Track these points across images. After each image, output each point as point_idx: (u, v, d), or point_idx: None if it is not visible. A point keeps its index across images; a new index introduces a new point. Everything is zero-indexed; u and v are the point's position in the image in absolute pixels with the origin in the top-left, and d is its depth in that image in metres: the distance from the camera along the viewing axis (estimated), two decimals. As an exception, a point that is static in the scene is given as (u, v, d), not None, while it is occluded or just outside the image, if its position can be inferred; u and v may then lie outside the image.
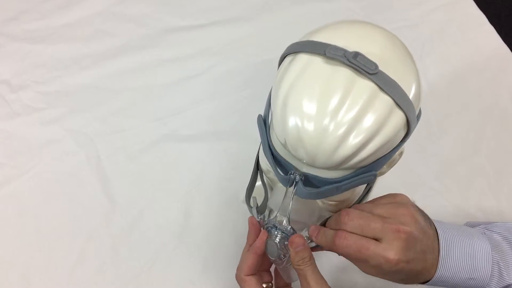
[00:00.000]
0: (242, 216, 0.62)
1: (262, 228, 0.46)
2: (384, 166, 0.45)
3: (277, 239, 0.44)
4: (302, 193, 0.41)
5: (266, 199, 0.51)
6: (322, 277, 0.42)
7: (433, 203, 0.64)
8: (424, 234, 0.41)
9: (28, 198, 0.64)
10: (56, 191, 0.65)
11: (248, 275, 0.45)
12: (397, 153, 0.44)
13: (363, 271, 0.42)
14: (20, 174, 0.66)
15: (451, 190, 0.65)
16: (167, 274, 0.58)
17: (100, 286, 0.58)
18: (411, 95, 0.38)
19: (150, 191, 0.65)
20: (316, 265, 0.42)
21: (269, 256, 0.45)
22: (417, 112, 0.41)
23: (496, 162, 0.68)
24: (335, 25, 0.42)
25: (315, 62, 0.38)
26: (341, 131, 0.35)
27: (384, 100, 0.36)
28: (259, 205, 0.49)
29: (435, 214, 0.63)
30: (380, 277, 0.42)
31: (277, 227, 0.45)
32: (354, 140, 0.36)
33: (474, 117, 0.72)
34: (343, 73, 0.36)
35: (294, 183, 0.41)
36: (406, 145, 0.71)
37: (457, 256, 0.42)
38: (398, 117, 0.37)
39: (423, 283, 0.43)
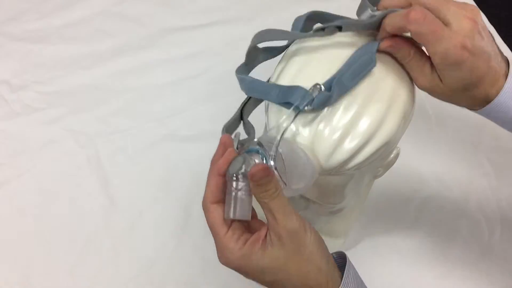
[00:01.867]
0: (242, 216, 0.63)
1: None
2: (380, 169, 0.45)
3: (254, 159, 0.37)
4: None
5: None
6: (292, 210, 0.36)
7: (433, 203, 0.64)
8: (489, 37, 0.38)
9: (28, 198, 0.64)
10: (56, 191, 0.65)
11: (213, 203, 0.38)
12: (392, 155, 0.43)
13: (419, 80, 0.40)
14: (20, 174, 0.66)
15: (451, 190, 0.65)
16: (167, 274, 0.58)
17: (100, 286, 0.58)
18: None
19: (150, 191, 0.65)
20: (283, 196, 0.36)
21: (228, 172, 0.38)
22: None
23: (496, 162, 0.68)
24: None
25: (310, 68, 0.38)
26: (336, 135, 0.35)
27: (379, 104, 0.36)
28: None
29: (435, 214, 0.63)
30: (435, 84, 0.39)
31: (261, 145, 0.38)
32: (349, 145, 0.36)
33: (474, 117, 0.72)
34: None
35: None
36: (406, 145, 0.70)
37: None
38: (394, 120, 0.37)
39: (483, 105, 0.41)
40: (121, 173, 0.66)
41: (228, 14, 0.85)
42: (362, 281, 0.39)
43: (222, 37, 0.82)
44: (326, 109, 0.36)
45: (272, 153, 0.37)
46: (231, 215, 0.37)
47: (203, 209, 0.39)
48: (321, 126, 0.36)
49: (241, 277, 0.58)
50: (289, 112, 0.38)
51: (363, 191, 0.56)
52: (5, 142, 0.69)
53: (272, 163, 0.37)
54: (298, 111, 0.38)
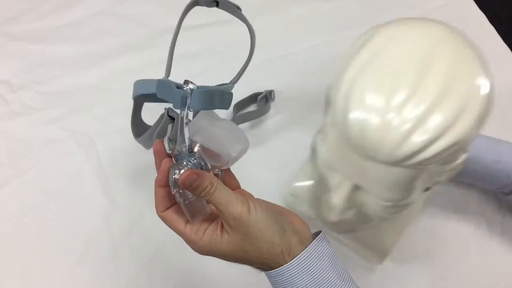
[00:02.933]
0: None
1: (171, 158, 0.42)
2: (445, 173, 0.44)
3: (179, 171, 0.39)
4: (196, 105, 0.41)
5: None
6: (232, 197, 0.39)
7: (433, 203, 0.64)
8: None
9: (28, 198, 0.64)
10: (56, 191, 0.65)
11: (163, 212, 0.42)
12: (460, 160, 0.42)
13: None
14: (20, 174, 0.66)
15: (451, 190, 0.65)
16: (167, 274, 0.58)
17: (100, 286, 0.58)
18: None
19: (150, 191, 0.64)
20: (222, 185, 0.39)
21: (170, 185, 0.40)
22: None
23: (496, 162, 0.68)
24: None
25: (387, 52, 0.38)
26: (406, 127, 0.35)
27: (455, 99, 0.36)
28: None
29: (435, 214, 0.63)
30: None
31: (180, 154, 0.41)
32: (419, 138, 0.35)
33: (474, 117, 0.72)
34: (413, 68, 0.36)
35: (187, 100, 0.41)
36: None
37: None
38: (469, 119, 0.37)
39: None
40: (121, 173, 0.66)
41: (228, 14, 0.85)
42: (333, 257, 0.40)
43: (222, 37, 0.82)
44: (397, 98, 0.35)
45: (189, 158, 0.40)
46: (192, 221, 0.41)
47: (160, 218, 0.42)
48: (391, 115, 0.35)
49: (240, 277, 0.59)
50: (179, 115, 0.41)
51: (421, 198, 0.55)
52: (5, 142, 0.69)
53: (194, 161, 0.40)
54: (185, 115, 0.41)
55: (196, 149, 0.41)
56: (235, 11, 0.53)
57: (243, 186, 0.46)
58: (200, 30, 0.83)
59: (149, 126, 0.58)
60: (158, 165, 0.42)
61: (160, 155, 0.42)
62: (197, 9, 0.86)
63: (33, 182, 0.65)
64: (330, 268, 0.39)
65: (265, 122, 0.72)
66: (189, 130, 0.40)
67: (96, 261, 0.59)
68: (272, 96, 0.72)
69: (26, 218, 0.62)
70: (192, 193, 0.39)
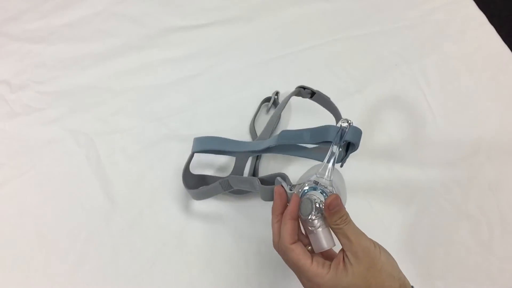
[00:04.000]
0: (243, 216, 0.63)
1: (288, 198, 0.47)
2: None
3: (315, 197, 0.44)
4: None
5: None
6: (361, 231, 0.43)
7: (433, 203, 0.64)
8: None
9: (28, 198, 0.64)
10: (56, 191, 0.65)
11: (292, 243, 0.44)
12: None
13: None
14: (20, 174, 0.66)
15: (451, 191, 0.65)
16: (167, 274, 0.58)
17: (100, 286, 0.58)
18: None
19: (150, 191, 0.65)
20: (353, 221, 0.43)
21: (301, 215, 0.45)
22: None
23: (496, 162, 0.68)
24: None
25: None
26: None
27: None
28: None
29: (435, 214, 0.63)
30: None
31: (317, 183, 0.46)
32: None
33: (473, 116, 0.72)
34: None
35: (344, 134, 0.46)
36: (406, 145, 0.71)
37: None
38: None
39: None
40: (121, 173, 0.66)
41: (228, 14, 0.85)
42: None
43: (222, 37, 0.82)
44: None
45: (328, 186, 0.46)
46: (320, 249, 0.44)
47: (283, 250, 0.45)
48: None
49: (240, 277, 0.59)
50: (331, 148, 0.46)
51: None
52: (5, 142, 0.69)
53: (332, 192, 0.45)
54: (339, 146, 0.46)
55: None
56: (328, 102, 0.60)
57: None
58: (200, 30, 0.83)
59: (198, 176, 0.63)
60: (278, 205, 0.47)
61: (282, 196, 0.47)
62: (197, 9, 0.86)
63: (33, 182, 0.65)
64: None
65: (266, 122, 0.72)
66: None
67: (96, 261, 0.59)
68: (277, 97, 0.72)
69: (25, 218, 0.62)
70: (331, 218, 0.43)
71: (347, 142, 0.48)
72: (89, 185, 0.65)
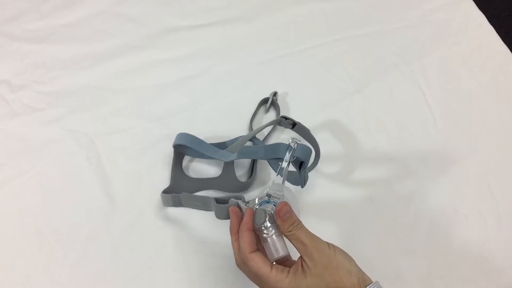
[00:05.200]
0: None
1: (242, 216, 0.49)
2: None
3: (268, 208, 0.47)
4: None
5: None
6: (314, 235, 0.45)
7: (432, 203, 0.64)
8: None
9: (28, 198, 0.64)
10: (56, 191, 0.65)
11: (252, 252, 0.45)
12: None
13: None
14: (20, 174, 0.66)
15: (451, 191, 0.65)
16: (167, 274, 0.58)
17: (100, 286, 0.58)
18: None
19: (150, 191, 0.65)
20: (305, 226, 0.45)
21: (255, 225, 0.47)
22: None
23: (496, 162, 0.68)
24: None
25: None
26: None
27: None
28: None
29: (434, 214, 0.63)
30: None
31: (270, 196, 0.49)
32: None
33: (473, 117, 0.72)
34: None
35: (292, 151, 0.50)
36: (406, 145, 0.71)
37: None
38: None
39: None
40: (121, 173, 0.66)
41: (228, 14, 0.85)
42: None
43: (222, 37, 0.82)
44: None
45: (280, 198, 0.48)
46: (275, 256, 0.46)
47: (244, 261, 0.46)
48: None
49: (240, 277, 0.59)
50: (281, 164, 0.50)
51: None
52: (5, 142, 0.69)
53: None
54: (288, 161, 0.50)
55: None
56: (308, 134, 0.63)
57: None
58: (200, 30, 0.83)
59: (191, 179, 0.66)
60: (235, 222, 0.49)
61: (238, 214, 0.50)
62: (196, 9, 0.86)
63: (33, 182, 0.65)
64: None
65: (264, 122, 0.72)
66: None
67: (96, 261, 0.59)
68: (276, 98, 0.72)
69: (26, 218, 0.62)
70: (283, 225, 0.45)
71: (297, 158, 0.52)
72: (89, 185, 0.65)
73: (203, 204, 0.61)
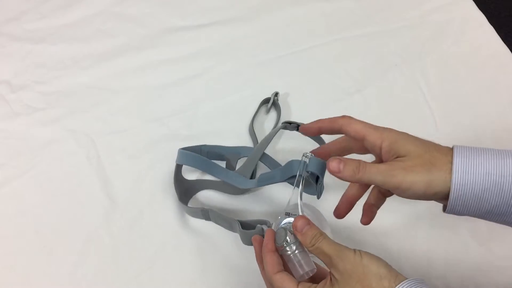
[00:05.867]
0: (243, 215, 0.62)
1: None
2: None
3: (288, 225, 0.45)
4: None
5: None
6: (340, 245, 0.42)
7: (432, 203, 0.64)
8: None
9: (28, 198, 0.64)
10: (56, 191, 0.65)
11: (276, 273, 0.43)
12: None
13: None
14: (20, 174, 0.66)
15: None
16: (167, 274, 0.58)
17: (100, 286, 0.58)
18: None
19: (150, 191, 0.65)
20: (328, 237, 0.42)
21: (277, 245, 0.45)
22: None
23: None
24: None
25: None
26: None
27: None
28: None
29: (434, 214, 0.63)
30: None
31: (289, 214, 0.47)
32: None
33: (473, 116, 0.72)
34: None
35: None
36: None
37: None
38: None
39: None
40: (121, 173, 0.66)
41: (228, 14, 0.85)
42: None
43: (222, 37, 0.82)
44: None
45: (299, 211, 0.46)
46: (300, 272, 0.43)
47: (269, 283, 0.44)
48: None
49: (241, 278, 0.59)
50: (296, 182, 0.48)
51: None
52: (5, 142, 0.69)
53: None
54: (302, 177, 0.47)
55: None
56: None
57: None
58: (200, 30, 0.83)
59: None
60: (258, 250, 0.46)
61: (259, 242, 0.47)
62: (196, 9, 0.86)
63: (33, 182, 0.65)
64: None
65: (265, 122, 0.72)
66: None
67: (96, 261, 0.59)
68: (277, 98, 0.72)
69: (26, 218, 0.62)
70: (304, 239, 0.42)
71: (313, 173, 0.49)
72: (89, 185, 0.65)
73: (229, 226, 0.59)
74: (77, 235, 0.61)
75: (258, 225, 0.54)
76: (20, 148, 0.68)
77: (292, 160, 0.50)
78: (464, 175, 0.40)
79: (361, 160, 0.43)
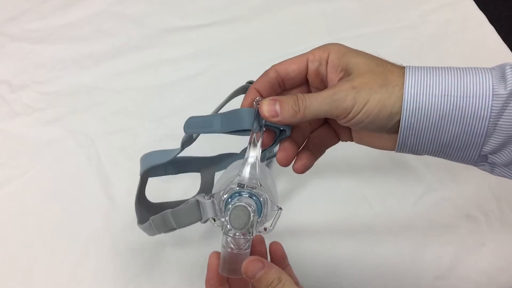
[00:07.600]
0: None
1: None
2: None
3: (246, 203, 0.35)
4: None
5: None
6: None
7: (432, 203, 0.64)
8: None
9: (28, 198, 0.64)
10: (56, 191, 0.65)
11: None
12: None
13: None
14: (20, 174, 0.66)
15: (451, 190, 0.65)
16: (167, 274, 0.58)
17: (100, 286, 0.58)
18: None
19: (150, 191, 0.65)
20: (290, 281, 0.33)
21: (233, 227, 0.36)
22: None
23: (496, 162, 0.68)
24: None
25: None
26: None
27: None
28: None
29: (434, 214, 0.63)
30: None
31: (243, 186, 0.36)
32: None
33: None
34: None
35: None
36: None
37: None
38: None
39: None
40: (121, 173, 0.66)
41: (228, 14, 0.85)
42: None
43: (222, 37, 0.82)
44: None
45: (257, 188, 0.35)
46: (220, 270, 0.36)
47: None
48: None
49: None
50: (251, 138, 0.36)
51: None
52: (5, 142, 0.69)
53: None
54: (261, 131, 0.36)
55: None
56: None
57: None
58: (200, 30, 0.83)
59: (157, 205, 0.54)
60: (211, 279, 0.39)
61: (215, 269, 0.38)
62: (196, 9, 0.86)
63: (33, 182, 0.65)
64: None
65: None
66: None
67: (96, 261, 0.59)
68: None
69: (26, 218, 0.62)
70: (256, 286, 0.33)
71: (272, 127, 0.36)
72: (89, 185, 0.65)
73: (166, 222, 0.46)
74: (77, 235, 0.61)
75: (192, 198, 0.41)
76: (20, 148, 0.68)
77: (241, 108, 0.38)
78: (418, 97, 0.33)
79: (297, 93, 0.35)
